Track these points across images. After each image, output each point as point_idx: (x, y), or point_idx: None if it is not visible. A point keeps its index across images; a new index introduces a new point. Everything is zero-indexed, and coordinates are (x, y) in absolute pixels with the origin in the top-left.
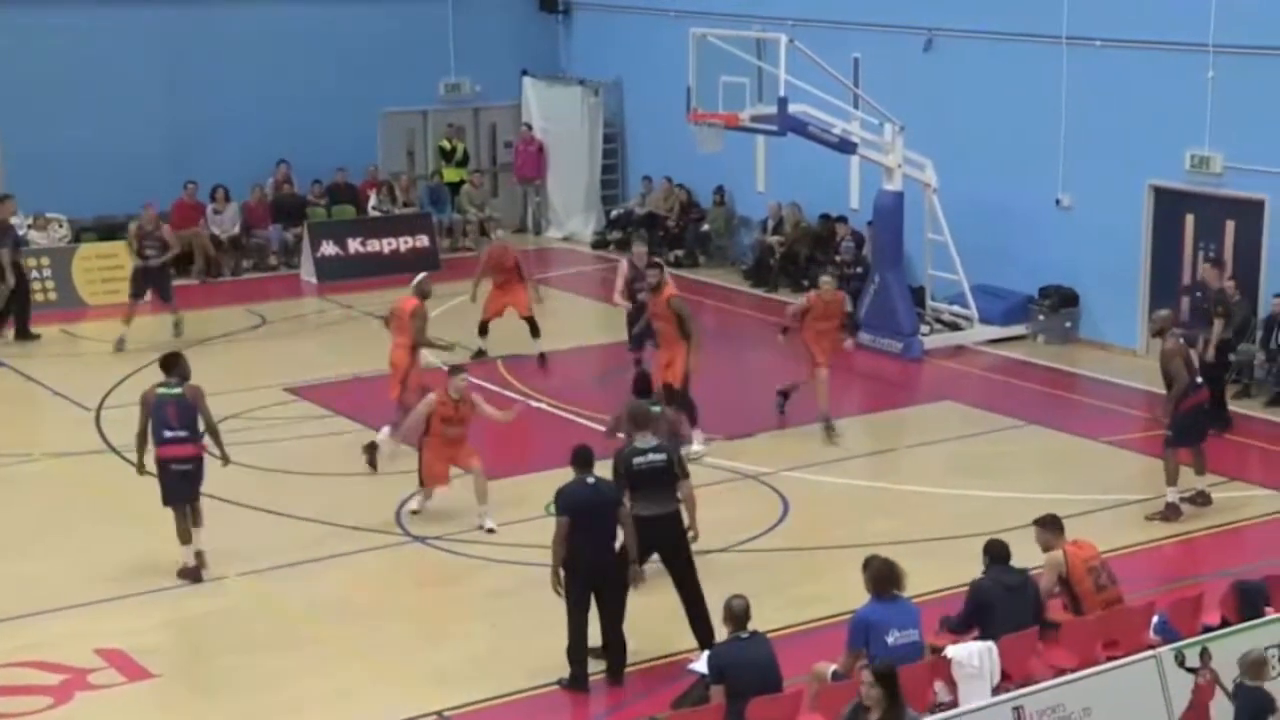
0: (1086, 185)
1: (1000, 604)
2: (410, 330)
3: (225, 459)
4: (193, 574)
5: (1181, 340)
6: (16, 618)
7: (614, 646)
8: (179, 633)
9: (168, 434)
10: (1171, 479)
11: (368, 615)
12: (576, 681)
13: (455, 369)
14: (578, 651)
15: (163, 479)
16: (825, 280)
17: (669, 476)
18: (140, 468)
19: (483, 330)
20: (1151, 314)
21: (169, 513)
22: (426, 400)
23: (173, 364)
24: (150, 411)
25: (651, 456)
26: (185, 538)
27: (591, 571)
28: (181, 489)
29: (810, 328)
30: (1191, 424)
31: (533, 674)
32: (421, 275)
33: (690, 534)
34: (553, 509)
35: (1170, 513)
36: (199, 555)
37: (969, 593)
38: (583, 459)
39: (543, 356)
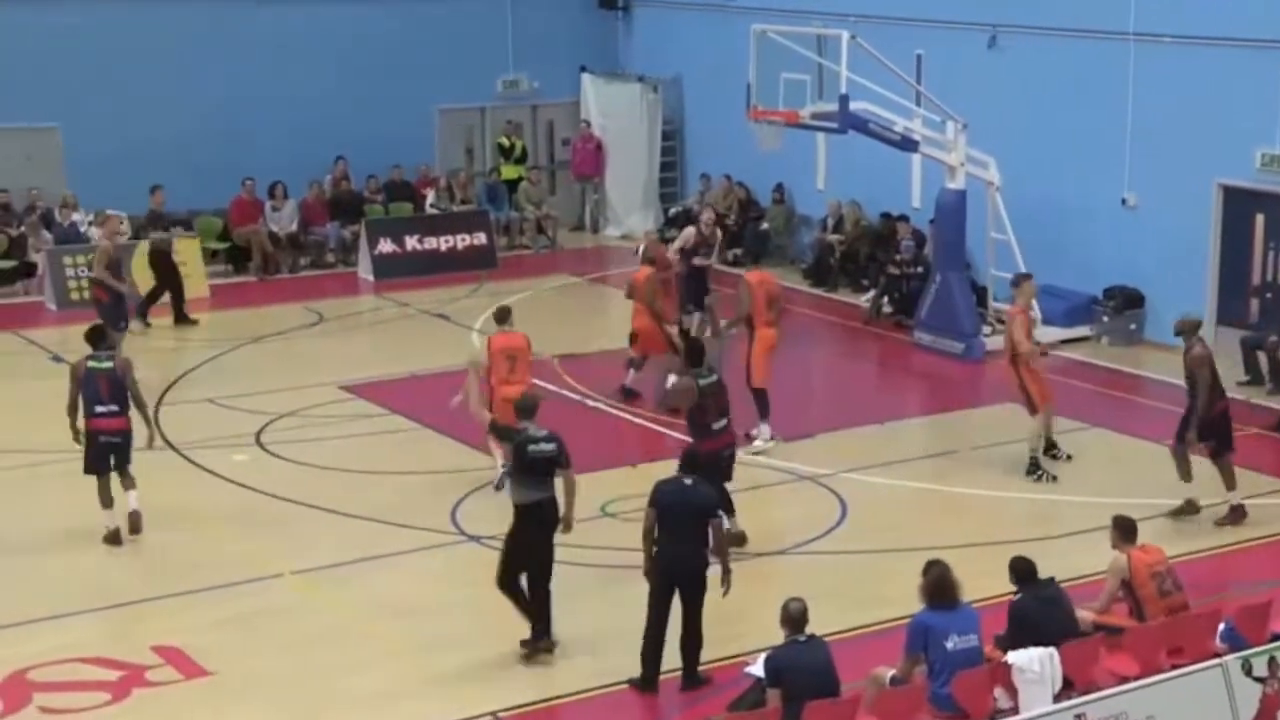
0: (1153, 184)
1: (1041, 617)
2: (644, 296)
3: (152, 437)
4: (114, 538)
5: (1206, 346)
6: (75, 614)
7: (690, 645)
8: (234, 630)
9: (99, 408)
10: (1185, 475)
11: (422, 614)
12: (646, 682)
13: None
14: (651, 651)
15: (89, 449)
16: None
17: (553, 465)
18: (76, 435)
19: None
20: (1184, 316)
21: (223, 510)
22: None
23: (99, 337)
24: (80, 385)
25: (543, 445)
26: (107, 503)
27: (669, 570)
28: (105, 459)
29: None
30: (1218, 430)
31: (589, 675)
32: (643, 246)
33: (562, 525)
34: (609, 509)
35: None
36: (133, 515)
37: (1009, 614)
38: (687, 462)
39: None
